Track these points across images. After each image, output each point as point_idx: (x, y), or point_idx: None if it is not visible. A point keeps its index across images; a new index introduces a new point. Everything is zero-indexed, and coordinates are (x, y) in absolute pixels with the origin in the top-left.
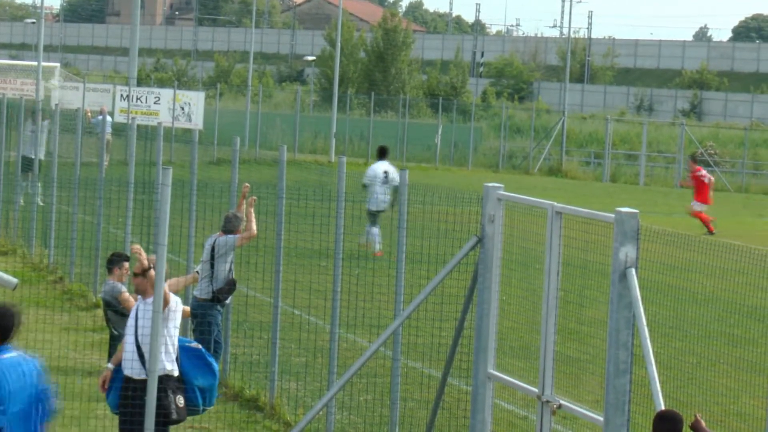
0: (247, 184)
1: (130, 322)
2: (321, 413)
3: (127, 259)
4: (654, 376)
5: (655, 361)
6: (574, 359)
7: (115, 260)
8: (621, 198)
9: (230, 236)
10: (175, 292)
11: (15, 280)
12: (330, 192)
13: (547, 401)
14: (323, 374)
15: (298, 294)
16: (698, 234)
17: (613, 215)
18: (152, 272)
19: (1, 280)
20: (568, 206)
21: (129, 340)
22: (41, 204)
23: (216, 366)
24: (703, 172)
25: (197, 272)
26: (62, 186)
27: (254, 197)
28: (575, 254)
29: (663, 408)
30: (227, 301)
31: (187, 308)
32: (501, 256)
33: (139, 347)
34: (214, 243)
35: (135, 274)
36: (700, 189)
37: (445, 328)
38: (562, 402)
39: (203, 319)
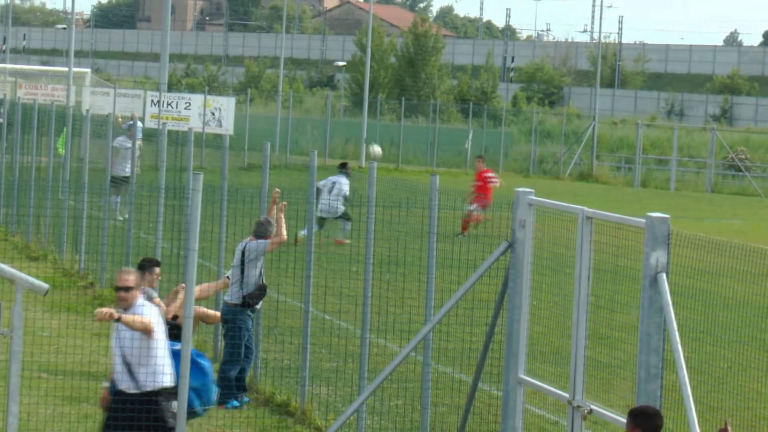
0: (277, 190)
1: (114, 335)
2: (352, 418)
3: (158, 264)
4: (685, 380)
5: (686, 365)
6: (605, 364)
7: (146, 265)
8: (652, 203)
9: (261, 241)
10: (206, 298)
11: (46, 286)
12: (360, 197)
13: (578, 406)
14: (354, 379)
15: (329, 299)
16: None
17: (643, 220)
18: (135, 292)
19: (32, 286)
20: (599, 211)
21: (116, 353)
22: (120, 219)
23: (207, 364)
24: (492, 174)
25: (228, 277)
26: (93, 191)
27: (285, 202)
28: (606, 259)
29: (694, 413)
30: (258, 306)
31: (218, 313)
32: (531, 261)
33: (126, 363)
34: (244, 248)
35: (118, 288)
36: (483, 190)
37: (476, 333)
38: (593, 407)
39: (234, 324)
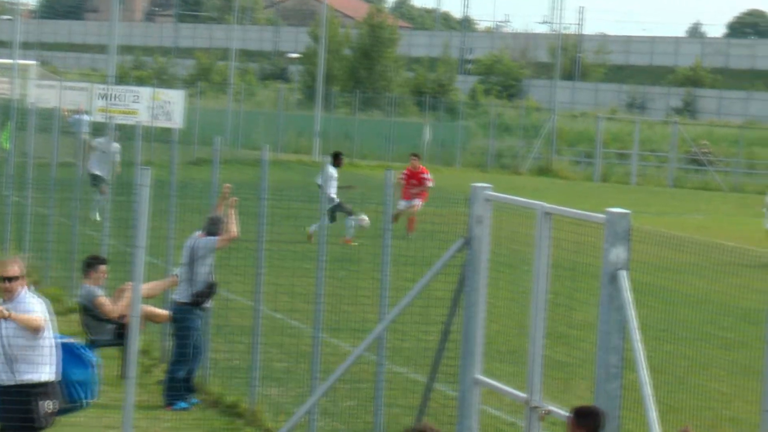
0: (228, 185)
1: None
2: (303, 420)
3: (104, 262)
4: (645, 380)
5: (647, 365)
6: (564, 363)
7: (91, 263)
8: (612, 198)
9: (210, 238)
10: (154, 297)
11: None
12: (313, 193)
13: (536, 407)
14: (305, 380)
15: (280, 297)
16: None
17: (603, 216)
18: (19, 282)
19: None
20: (558, 207)
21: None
22: (98, 219)
23: (90, 357)
24: (428, 175)
25: (176, 275)
26: (38, 187)
27: (235, 198)
28: (565, 256)
29: (654, 413)
30: (207, 305)
31: (166, 312)
32: (489, 258)
33: (7, 355)
34: (193, 245)
35: (2, 278)
36: (420, 186)
37: (431, 332)
38: (550, 408)
39: (182, 323)
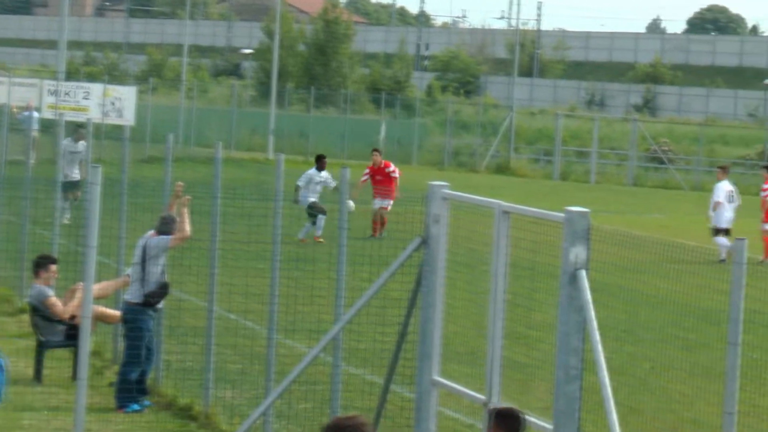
0: (180, 183)
1: None
2: (258, 422)
3: (55, 261)
4: (605, 382)
5: (607, 366)
6: (523, 365)
7: (41, 263)
8: (571, 197)
9: (163, 237)
10: (105, 297)
11: None
12: (268, 191)
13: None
14: (260, 382)
15: (234, 298)
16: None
17: (562, 215)
18: None
19: None
20: (516, 205)
21: None
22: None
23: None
24: (392, 167)
25: (128, 275)
26: None
27: (188, 197)
28: (523, 255)
29: (614, 416)
30: (159, 306)
31: (118, 313)
32: (446, 257)
33: None
34: (145, 244)
35: None
36: (386, 183)
37: (388, 333)
38: None
39: (134, 324)
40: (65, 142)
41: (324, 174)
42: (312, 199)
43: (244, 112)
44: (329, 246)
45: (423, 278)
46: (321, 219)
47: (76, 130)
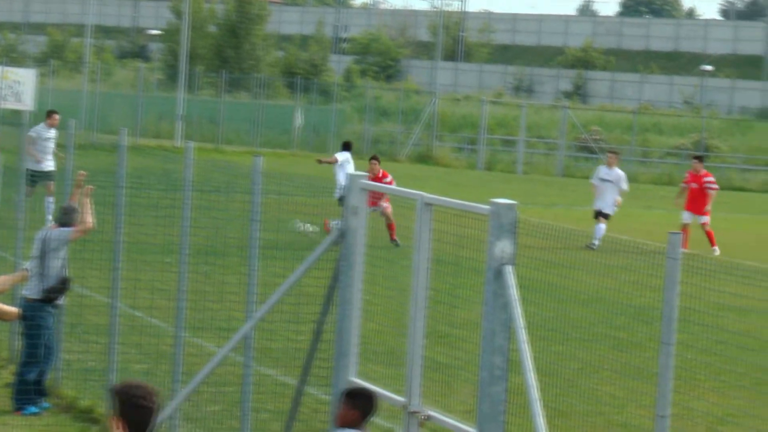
0: (82, 172)
1: None
2: (164, 426)
3: None
4: (532, 383)
5: (533, 367)
6: (445, 365)
7: None
8: (497, 188)
9: (64, 229)
10: (2, 293)
11: None
12: (176, 181)
13: (415, 412)
14: (167, 383)
15: (139, 294)
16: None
17: (488, 207)
18: None
19: None
20: (439, 197)
21: None
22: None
23: None
24: (391, 178)
25: (26, 269)
26: None
27: (91, 186)
28: (447, 249)
29: (541, 419)
30: (60, 302)
31: (16, 309)
32: (365, 251)
33: None
34: (45, 237)
35: None
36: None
37: (303, 332)
38: (430, 413)
39: (33, 321)
40: (39, 128)
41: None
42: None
43: (150, 97)
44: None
45: (340, 273)
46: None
47: (50, 114)
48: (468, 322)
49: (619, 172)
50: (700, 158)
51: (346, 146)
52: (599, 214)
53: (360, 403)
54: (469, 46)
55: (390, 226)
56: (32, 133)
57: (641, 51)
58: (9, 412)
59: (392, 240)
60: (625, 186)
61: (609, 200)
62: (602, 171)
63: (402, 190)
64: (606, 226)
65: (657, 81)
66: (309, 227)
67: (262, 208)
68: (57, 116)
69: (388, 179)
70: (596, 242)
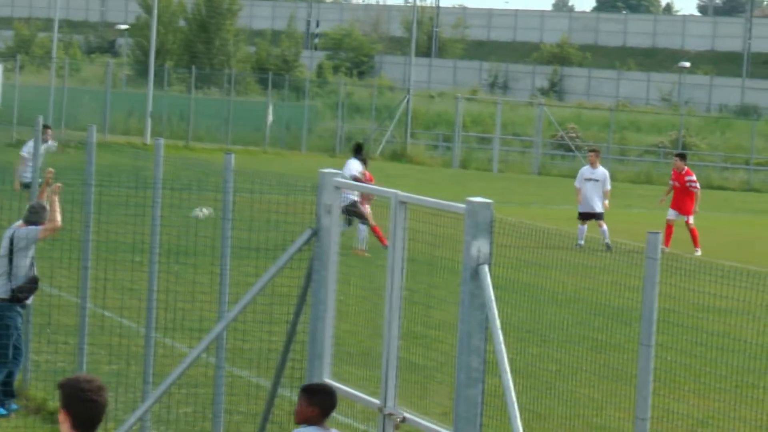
0: (51, 170)
1: None
2: (135, 428)
3: None
4: (509, 385)
5: (511, 368)
6: (421, 367)
7: None
8: (473, 186)
9: (32, 227)
10: None
11: None
12: (146, 178)
13: (390, 414)
14: (137, 384)
15: (109, 293)
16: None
17: (463, 206)
18: None
19: None
20: (414, 195)
21: None
22: None
23: None
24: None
25: None
26: None
27: (59, 184)
28: (422, 249)
29: (518, 421)
30: (28, 302)
31: None
32: (338, 251)
33: None
34: (12, 235)
35: None
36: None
37: (276, 333)
38: (406, 415)
39: (1, 321)
40: (30, 145)
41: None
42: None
43: (119, 93)
44: (212, 239)
45: (314, 273)
46: (363, 229)
47: (44, 130)
48: (444, 323)
49: (603, 171)
50: (682, 156)
51: (358, 150)
52: (590, 216)
53: (318, 399)
54: (443, 42)
55: (374, 230)
56: (24, 153)
57: (618, 47)
58: None
59: (385, 246)
60: (608, 185)
61: (597, 200)
62: (586, 171)
63: (376, 188)
64: (605, 224)
65: (634, 78)
66: (205, 211)
67: (234, 207)
68: (50, 131)
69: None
70: (608, 242)
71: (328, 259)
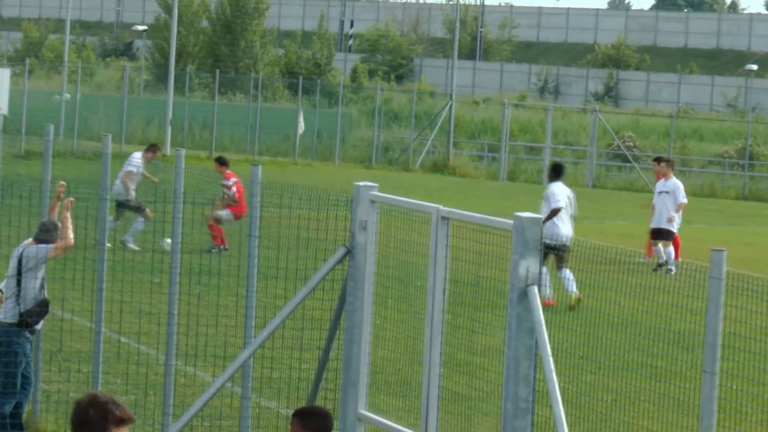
0: (62, 183)
1: None
2: None
3: None
4: (561, 416)
5: (562, 398)
6: (464, 397)
7: None
8: (521, 200)
9: (42, 246)
10: None
11: None
12: (165, 192)
13: None
14: (156, 415)
15: (126, 317)
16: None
17: (511, 221)
18: None
19: None
20: (457, 210)
21: None
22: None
23: None
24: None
25: (1, 290)
26: None
27: (71, 198)
28: (465, 268)
29: None
30: (38, 327)
31: None
32: (375, 270)
33: None
34: (21, 254)
35: None
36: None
37: (307, 360)
38: None
39: (8, 348)
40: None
41: None
42: None
43: (136, 100)
44: (237, 258)
45: (348, 294)
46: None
47: (152, 148)
48: (489, 348)
49: (674, 181)
50: (666, 160)
51: (557, 170)
52: (663, 233)
53: (314, 423)
54: (488, 44)
55: (211, 227)
56: (132, 168)
57: (679, 49)
58: None
59: (218, 247)
60: (681, 197)
61: (666, 215)
62: (659, 185)
63: (416, 202)
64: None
65: (697, 82)
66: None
67: (261, 223)
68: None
69: (232, 181)
70: (672, 268)
71: (364, 279)
